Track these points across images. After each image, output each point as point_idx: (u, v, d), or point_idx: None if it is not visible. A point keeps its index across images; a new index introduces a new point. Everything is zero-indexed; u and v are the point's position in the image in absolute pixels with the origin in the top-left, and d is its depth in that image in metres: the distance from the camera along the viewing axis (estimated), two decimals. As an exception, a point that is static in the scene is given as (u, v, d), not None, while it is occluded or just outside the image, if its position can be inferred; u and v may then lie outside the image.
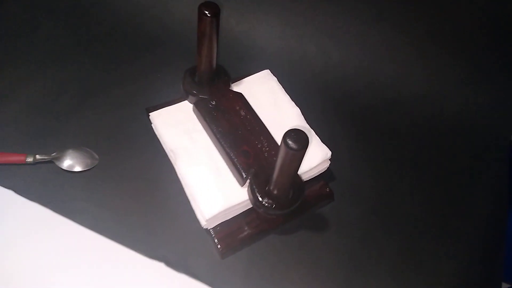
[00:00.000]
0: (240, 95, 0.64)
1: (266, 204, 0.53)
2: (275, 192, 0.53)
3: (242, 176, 0.56)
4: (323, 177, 0.64)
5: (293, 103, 0.66)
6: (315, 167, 0.60)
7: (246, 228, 0.58)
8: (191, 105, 0.64)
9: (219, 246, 0.56)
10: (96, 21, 0.79)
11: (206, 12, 0.54)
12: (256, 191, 0.54)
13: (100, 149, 0.63)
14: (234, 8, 0.79)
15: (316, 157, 0.60)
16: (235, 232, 0.58)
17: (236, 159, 0.57)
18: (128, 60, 0.75)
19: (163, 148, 0.63)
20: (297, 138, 0.44)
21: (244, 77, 0.68)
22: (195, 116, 0.63)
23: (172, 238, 0.57)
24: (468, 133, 0.74)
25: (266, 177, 0.55)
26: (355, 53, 0.78)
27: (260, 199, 0.54)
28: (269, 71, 0.69)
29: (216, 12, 0.54)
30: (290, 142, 0.44)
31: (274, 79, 0.68)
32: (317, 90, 0.76)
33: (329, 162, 0.62)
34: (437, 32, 0.75)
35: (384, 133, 0.73)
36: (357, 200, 0.64)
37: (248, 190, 0.56)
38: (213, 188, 0.57)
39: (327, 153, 0.61)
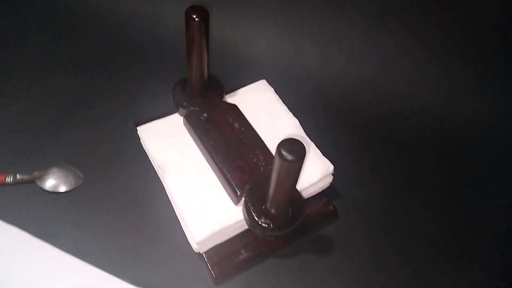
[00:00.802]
0: (234, 107, 0.59)
1: (263, 225, 0.48)
2: (273, 210, 0.48)
3: (236, 193, 0.51)
4: (325, 194, 0.58)
5: (291, 114, 0.61)
6: (316, 183, 0.55)
7: (242, 252, 0.53)
8: (180, 120, 0.60)
9: (213, 272, 0.51)
10: (82, 34, 0.76)
11: (194, 16, 0.50)
12: (251, 210, 0.49)
13: (85, 167, 0.59)
14: (228, 17, 0.76)
15: (317, 172, 0.55)
16: (230, 256, 0.53)
17: (229, 175, 0.52)
18: (116, 73, 0.71)
19: (152, 164, 0.59)
20: (293, 148, 0.39)
21: (239, 88, 0.64)
22: (185, 130, 0.59)
23: (161, 263, 0.52)
24: (480, 143, 0.69)
25: (263, 194, 0.50)
26: (358, 61, 0.74)
27: (256, 219, 0.48)
28: (266, 81, 0.65)
29: (204, 16, 0.50)
30: (285, 153, 0.39)
31: (271, 89, 0.64)
32: (317, 100, 0.71)
33: (332, 177, 0.57)
34: (445, 38, 0.70)
35: (390, 145, 0.68)
36: (364, 218, 0.59)
37: (243, 209, 0.51)
38: (205, 208, 0.52)
39: (329, 167, 0.56)
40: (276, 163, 0.41)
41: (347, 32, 0.73)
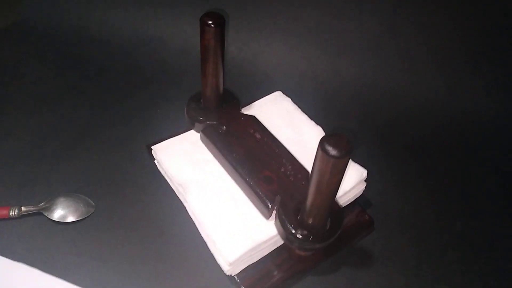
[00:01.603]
0: (253, 118, 0.56)
1: (301, 237, 0.44)
2: (310, 221, 0.44)
3: (267, 206, 0.47)
4: (358, 204, 0.55)
5: (313, 122, 0.58)
6: (350, 190, 0.51)
7: (277, 271, 0.48)
8: (197, 135, 0.56)
9: (249, 296, 0.46)
10: (86, 62, 0.74)
11: (210, 22, 0.47)
12: (286, 222, 0.45)
13: (96, 195, 0.54)
14: (235, 36, 0.74)
15: (350, 179, 0.51)
16: (265, 277, 0.47)
17: (257, 187, 0.48)
18: (122, 99, 0.68)
19: (169, 187, 0.55)
20: (337, 143, 0.36)
21: (255, 101, 0.61)
22: (203, 146, 0.55)
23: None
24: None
25: (297, 204, 0.46)
26: (369, 68, 0.72)
27: (292, 231, 0.44)
28: (281, 92, 0.62)
29: (220, 22, 0.48)
30: (329, 148, 0.35)
31: (287, 99, 0.61)
32: (333, 110, 0.69)
33: (365, 183, 0.53)
34: (456, 36, 0.69)
35: (414, 149, 0.65)
36: (400, 227, 0.55)
37: (276, 222, 0.46)
38: (233, 225, 0.47)
39: (363, 172, 0.52)
40: (318, 162, 0.37)
41: (356, 43, 0.71)
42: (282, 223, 0.45)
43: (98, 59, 0.74)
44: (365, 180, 0.53)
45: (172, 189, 0.55)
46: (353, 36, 0.72)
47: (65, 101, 0.67)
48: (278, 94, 0.62)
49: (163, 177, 0.56)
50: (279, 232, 0.46)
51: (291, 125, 0.57)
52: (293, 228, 0.44)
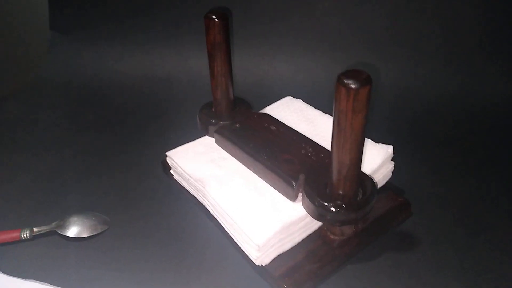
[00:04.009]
0: (266, 115, 0.55)
1: (333, 208, 0.40)
2: (340, 191, 0.40)
3: (291, 185, 0.43)
4: (390, 189, 0.51)
5: (328, 115, 0.57)
6: (378, 169, 0.48)
7: (312, 260, 0.43)
8: (211, 139, 0.55)
9: (285, 285, 0.40)
10: (100, 104, 0.75)
11: (214, 17, 0.49)
12: (315, 196, 0.41)
13: (111, 212, 0.52)
14: (239, 64, 0.76)
15: (377, 156, 0.48)
16: (299, 266, 0.42)
17: (279, 169, 0.45)
18: (135, 130, 0.68)
19: (185, 197, 0.52)
20: (355, 75, 0.34)
21: (265, 107, 0.60)
22: (218, 147, 0.53)
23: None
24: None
25: (323, 180, 0.43)
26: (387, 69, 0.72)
27: (324, 203, 0.40)
28: (291, 97, 0.62)
29: (224, 16, 0.49)
30: (348, 81, 0.34)
31: (299, 101, 0.60)
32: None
33: (393, 163, 0.50)
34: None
35: (443, 136, 0.63)
36: (439, 209, 0.50)
37: (303, 201, 0.43)
38: (260, 211, 0.43)
39: (387, 148, 0.49)
40: (338, 102, 0.35)
41: (361, 48, 0.73)
42: (311, 198, 0.41)
43: (111, 101, 0.76)
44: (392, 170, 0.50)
45: (189, 199, 0.52)
46: (355, 39, 0.74)
47: (81, 137, 0.67)
48: (288, 99, 0.61)
49: (179, 189, 0.53)
50: (308, 210, 0.42)
51: (305, 121, 0.56)
52: (323, 200, 0.40)
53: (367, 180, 0.43)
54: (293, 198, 0.44)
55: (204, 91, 0.59)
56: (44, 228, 0.49)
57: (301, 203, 0.44)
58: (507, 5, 0.68)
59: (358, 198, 0.42)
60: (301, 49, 0.76)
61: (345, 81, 0.34)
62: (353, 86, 0.33)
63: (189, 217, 0.50)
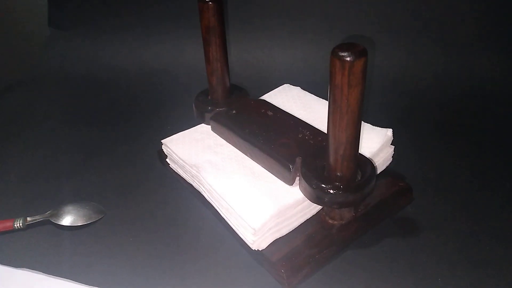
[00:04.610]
0: (263, 101, 0.54)
1: (331, 190, 0.39)
2: (338, 172, 0.39)
3: (288, 168, 0.42)
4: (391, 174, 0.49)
5: (326, 100, 0.55)
6: (377, 152, 0.47)
7: (310, 246, 0.41)
8: (207, 127, 0.54)
9: (282, 270, 0.39)
10: (98, 97, 0.75)
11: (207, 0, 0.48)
12: (313, 178, 0.40)
13: (106, 202, 0.51)
14: (237, 54, 0.75)
15: (375, 139, 0.47)
16: (297, 251, 0.41)
17: (275, 153, 0.44)
18: (133, 121, 0.67)
19: (181, 185, 0.51)
20: (350, 47, 0.33)
21: (263, 95, 0.59)
22: (214, 134, 0.52)
23: (213, 279, 0.41)
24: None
25: (320, 163, 0.41)
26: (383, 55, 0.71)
27: (322, 185, 0.39)
28: (289, 84, 0.61)
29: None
30: (343, 53, 0.33)
31: (297, 88, 0.59)
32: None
33: (393, 147, 0.49)
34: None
35: (444, 125, 0.61)
36: (441, 194, 0.49)
37: (301, 184, 0.42)
38: (256, 195, 0.42)
39: (386, 131, 0.48)
40: (334, 76, 0.34)
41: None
42: (308, 180, 0.40)
43: (107, 93, 0.75)
44: (394, 156, 0.49)
45: (185, 188, 0.51)
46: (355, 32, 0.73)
47: (77, 129, 0.66)
48: (286, 86, 0.60)
49: (175, 178, 0.52)
50: (305, 193, 0.41)
51: (303, 107, 0.55)
52: (321, 182, 0.39)
53: (366, 162, 0.42)
54: (290, 182, 0.43)
55: (201, 83, 0.58)
56: (37, 217, 0.48)
57: (298, 187, 0.42)
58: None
59: (357, 180, 0.40)
60: (300, 38, 0.75)
61: (340, 53, 0.33)
62: (348, 58, 0.32)
63: (185, 205, 0.49)
